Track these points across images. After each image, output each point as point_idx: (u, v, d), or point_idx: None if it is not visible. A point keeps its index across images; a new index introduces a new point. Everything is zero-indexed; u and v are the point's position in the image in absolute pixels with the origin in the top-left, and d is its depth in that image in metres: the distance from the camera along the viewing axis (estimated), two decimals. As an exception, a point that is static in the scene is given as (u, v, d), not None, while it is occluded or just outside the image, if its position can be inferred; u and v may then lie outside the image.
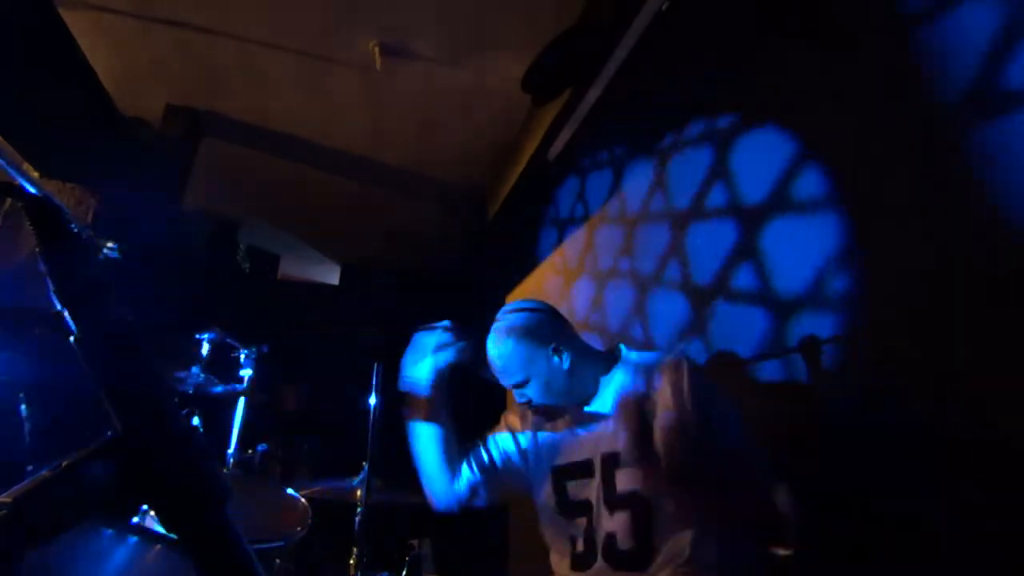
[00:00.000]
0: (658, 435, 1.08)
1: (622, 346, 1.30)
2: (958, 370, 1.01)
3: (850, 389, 1.24)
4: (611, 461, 1.15)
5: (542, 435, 1.33)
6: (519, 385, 1.23)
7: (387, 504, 1.81)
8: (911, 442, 1.08)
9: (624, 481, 1.11)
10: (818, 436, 1.30)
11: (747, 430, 1.08)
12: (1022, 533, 0.89)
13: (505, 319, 1.29)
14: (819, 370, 1.32)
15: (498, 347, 1.26)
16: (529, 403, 1.25)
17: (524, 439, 1.35)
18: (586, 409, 1.25)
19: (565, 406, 1.27)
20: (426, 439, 1.32)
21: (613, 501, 1.12)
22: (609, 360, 1.27)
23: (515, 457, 1.35)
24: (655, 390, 1.12)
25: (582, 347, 1.29)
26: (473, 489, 1.32)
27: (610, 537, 1.11)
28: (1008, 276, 0.96)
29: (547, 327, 1.26)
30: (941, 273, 1.07)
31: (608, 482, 1.14)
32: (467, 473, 1.33)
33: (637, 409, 1.14)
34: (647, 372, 1.17)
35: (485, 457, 1.35)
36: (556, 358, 1.22)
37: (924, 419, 1.07)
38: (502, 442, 1.37)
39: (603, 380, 1.25)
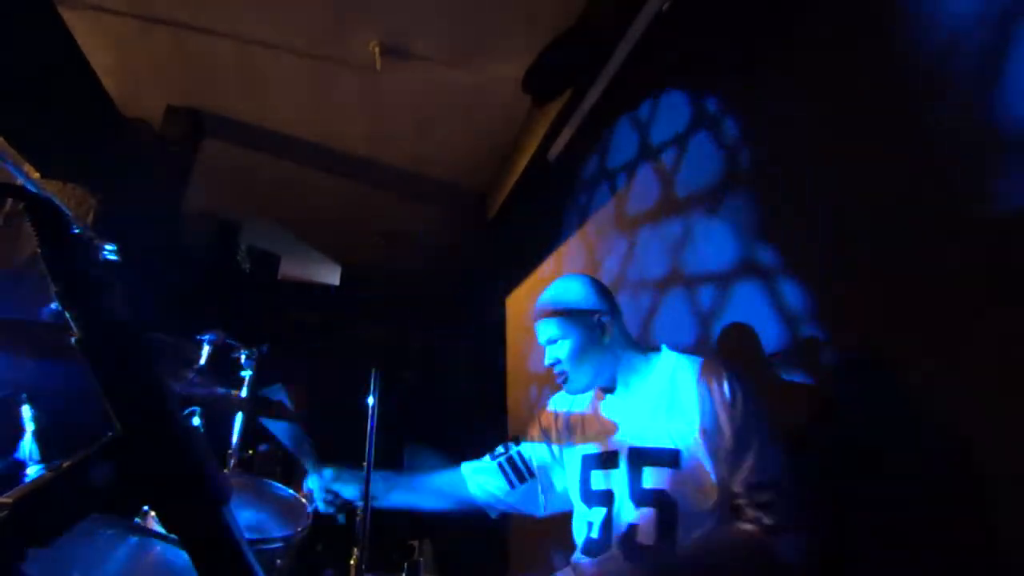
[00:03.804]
0: (694, 438, 1.10)
1: (664, 345, 1.29)
2: (957, 369, 1.01)
3: (851, 391, 1.24)
4: (640, 456, 1.16)
5: (572, 424, 1.34)
6: (553, 340, 1.24)
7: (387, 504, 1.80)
8: (912, 442, 1.08)
9: (653, 479, 1.12)
10: (821, 436, 1.30)
11: (776, 438, 1.09)
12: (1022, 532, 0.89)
13: (559, 281, 1.32)
14: (820, 371, 1.32)
15: (544, 298, 1.29)
16: (560, 375, 1.25)
17: (557, 432, 1.36)
18: (619, 400, 1.26)
19: (594, 389, 1.28)
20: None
21: (639, 496, 1.13)
22: (649, 355, 1.27)
23: (547, 456, 1.36)
24: (693, 393, 1.13)
25: (625, 332, 1.30)
26: (504, 493, 1.36)
27: (631, 528, 1.12)
28: (1006, 275, 0.96)
29: (596, 296, 1.27)
30: (941, 272, 1.07)
31: (635, 475, 1.15)
32: (493, 479, 1.36)
33: (671, 410, 1.15)
34: (685, 373, 1.17)
35: (519, 460, 1.37)
36: (598, 329, 1.23)
37: (927, 420, 1.07)
38: (535, 447, 1.38)
39: (639, 371, 1.24)
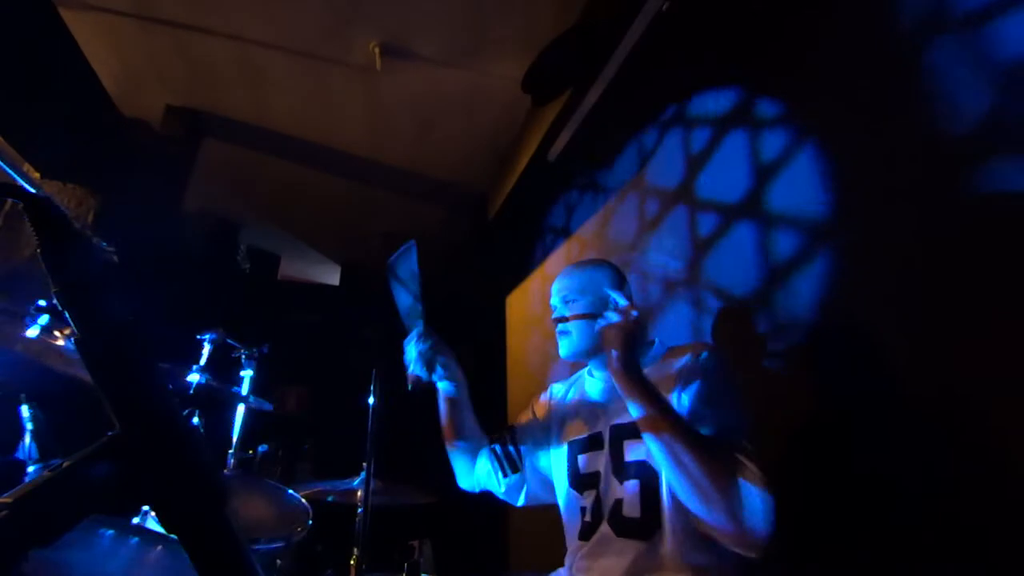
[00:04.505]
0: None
1: (657, 339, 1.31)
2: (958, 368, 1.01)
3: (850, 386, 1.24)
4: (620, 432, 1.17)
5: (563, 410, 1.36)
6: (568, 299, 1.28)
7: (387, 505, 1.81)
8: (914, 433, 1.08)
9: (634, 452, 1.14)
10: (819, 433, 1.30)
11: (745, 413, 1.08)
12: (1022, 532, 0.89)
13: (593, 259, 1.39)
14: (818, 368, 1.32)
15: (572, 266, 1.34)
16: (563, 333, 1.27)
17: (549, 419, 1.38)
18: (605, 384, 1.28)
19: (586, 363, 1.32)
20: (443, 413, 1.39)
21: (622, 470, 1.15)
22: (644, 349, 1.29)
23: (541, 443, 1.37)
24: (674, 369, 1.15)
25: None
26: (497, 481, 1.37)
27: (617, 503, 1.13)
28: (1008, 271, 0.96)
29: (621, 281, 1.32)
30: (942, 269, 1.07)
31: (616, 452, 1.16)
32: (488, 466, 1.38)
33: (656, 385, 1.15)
34: (671, 358, 1.20)
35: (513, 450, 1.38)
36: (613, 303, 1.25)
37: (925, 418, 1.07)
38: (527, 437, 1.39)
39: None
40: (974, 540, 0.96)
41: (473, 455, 1.42)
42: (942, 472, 1.02)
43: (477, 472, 1.41)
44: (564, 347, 1.28)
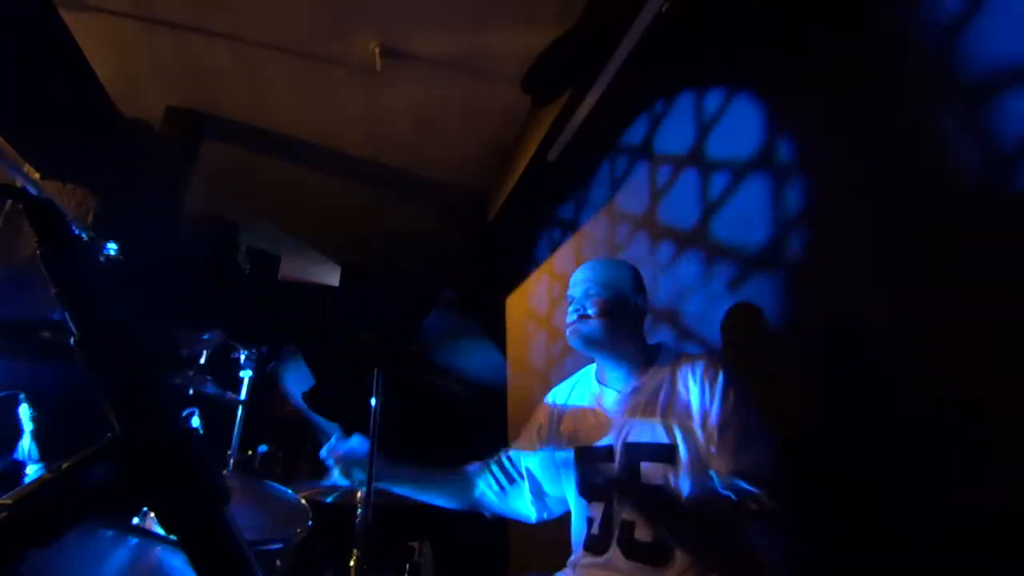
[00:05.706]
0: (686, 430, 1.12)
1: (663, 342, 1.33)
2: (960, 361, 1.01)
3: (852, 380, 1.24)
4: (635, 452, 1.16)
5: (567, 414, 1.35)
6: (590, 287, 1.28)
7: (387, 505, 1.81)
8: (913, 434, 1.08)
9: (649, 474, 1.13)
10: (820, 427, 1.30)
11: (764, 434, 1.10)
12: (1020, 525, 0.89)
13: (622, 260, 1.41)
14: (822, 361, 1.32)
15: (596, 261, 1.37)
16: (579, 313, 1.27)
17: (552, 423, 1.37)
18: (615, 394, 1.27)
19: (590, 370, 1.33)
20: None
21: (635, 491, 1.14)
22: (650, 352, 1.30)
23: (538, 457, 1.37)
24: (694, 391, 1.15)
25: (643, 331, 1.35)
26: (496, 495, 1.39)
27: (627, 526, 1.12)
28: (1007, 266, 0.96)
29: (642, 285, 1.34)
30: (943, 264, 1.07)
31: (632, 472, 1.15)
32: (485, 482, 1.40)
33: (670, 406, 1.16)
34: (686, 371, 1.19)
35: (509, 466, 1.40)
36: (631, 307, 1.29)
37: (926, 411, 1.07)
38: (534, 442, 1.39)
39: (638, 365, 1.27)
40: (973, 540, 0.96)
41: (465, 495, 1.41)
42: (941, 472, 1.02)
43: (480, 490, 1.41)
44: (577, 330, 1.27)
